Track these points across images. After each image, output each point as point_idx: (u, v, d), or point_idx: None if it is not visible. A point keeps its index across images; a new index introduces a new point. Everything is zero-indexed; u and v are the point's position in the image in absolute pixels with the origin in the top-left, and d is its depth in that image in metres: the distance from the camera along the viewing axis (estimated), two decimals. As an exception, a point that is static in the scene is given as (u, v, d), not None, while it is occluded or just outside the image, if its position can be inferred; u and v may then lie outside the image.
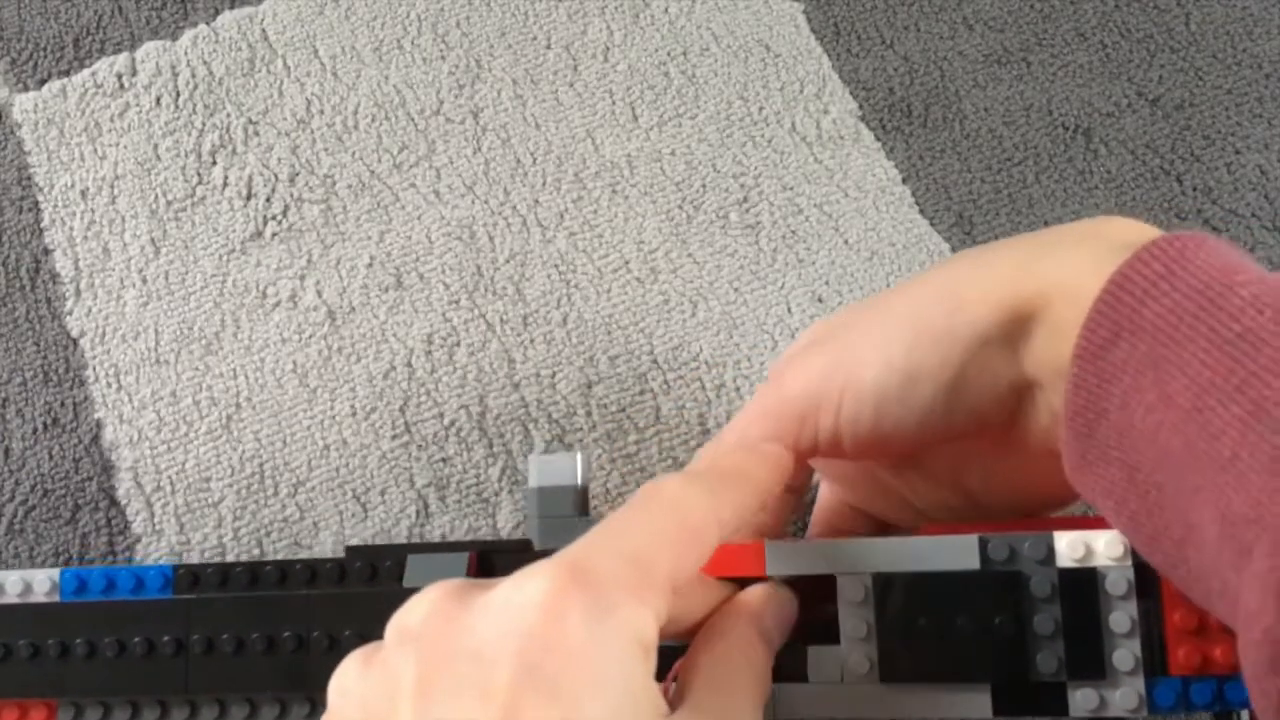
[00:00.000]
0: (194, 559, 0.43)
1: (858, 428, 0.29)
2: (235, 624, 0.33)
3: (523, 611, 0.22)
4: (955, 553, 0.28)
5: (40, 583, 0.35)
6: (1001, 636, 0.28)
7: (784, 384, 0.30)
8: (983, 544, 0.28)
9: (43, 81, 0.54)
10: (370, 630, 0.31)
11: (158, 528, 0.44)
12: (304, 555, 0.35)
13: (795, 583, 0.30)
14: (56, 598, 0.35)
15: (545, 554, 0.30)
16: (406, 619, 0.24)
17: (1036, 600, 0.28)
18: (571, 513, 0.32)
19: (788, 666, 0.29)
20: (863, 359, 0.29)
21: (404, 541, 0.34)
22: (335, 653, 0.32)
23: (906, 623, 0.28)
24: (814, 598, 0.29)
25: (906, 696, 0.28)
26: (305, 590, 0.33)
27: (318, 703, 0.33)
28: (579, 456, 0.32)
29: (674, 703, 0.25)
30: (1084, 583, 0.28)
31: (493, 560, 0.33)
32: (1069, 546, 0.28)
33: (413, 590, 0.30)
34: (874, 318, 0.29)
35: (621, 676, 0.22)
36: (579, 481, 0.32)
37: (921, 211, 0.49)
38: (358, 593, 0.33)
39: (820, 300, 0.47)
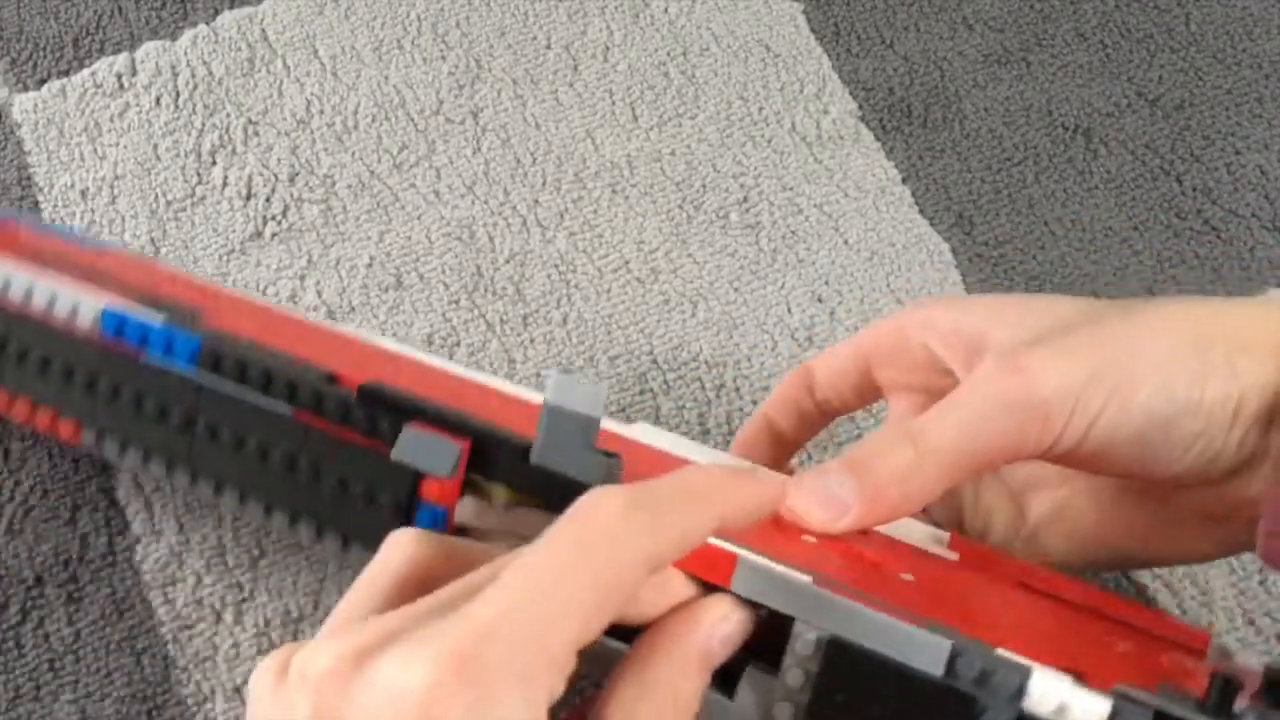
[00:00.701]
0: (194, 559, 0.43)
1: (1104, 443, 0.28)
2: (236, 424, 0.34)
3: (401, 699, 0.22)
4: (923, 651, 0.25)
5: (86, 311, 0.36)
6: None
7: (1032, 378, 0.28)
8: (954, 654, 0.25)
9: (42, 81, 0.54)
10: (350, 480, 0.32)
11: (157, 528, 0.44)
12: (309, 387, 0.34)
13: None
14: (99, 332, 0.36)
15: (540, 471, 0.30)
16: (308, 665, 0.23)
17: None
18: (577, 442, 0.30)
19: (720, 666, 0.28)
20: (1136, 375, 0.27)
21: (412, 400, 0.32)
22: (317, 484, 0.33)
23: (845, 698, 0.26)
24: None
25: None
26: (306, 417, 0.33)
27: (299, 518, 0.34)
28: (600, 390, 0.30)
29: None
30: None
31: (488, 455, 0.31)
32: (1043, 693, 0.25)
33: (399, 465, 0.30)
34: (1146, 334, 0.28)
35: None
36: (592, 413, 0.30)
37: (921, 211, 0.49)
38: (347, 441, 0.32)
39: (820, 300, 0.47)
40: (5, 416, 0.38)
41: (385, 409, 0.32)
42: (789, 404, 0.37)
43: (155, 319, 0.35)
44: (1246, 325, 0.27)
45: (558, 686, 0.23)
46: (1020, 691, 0.25)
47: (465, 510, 0.32)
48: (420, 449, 0.31)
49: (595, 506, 0.24)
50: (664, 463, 0.34)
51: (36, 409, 0.37)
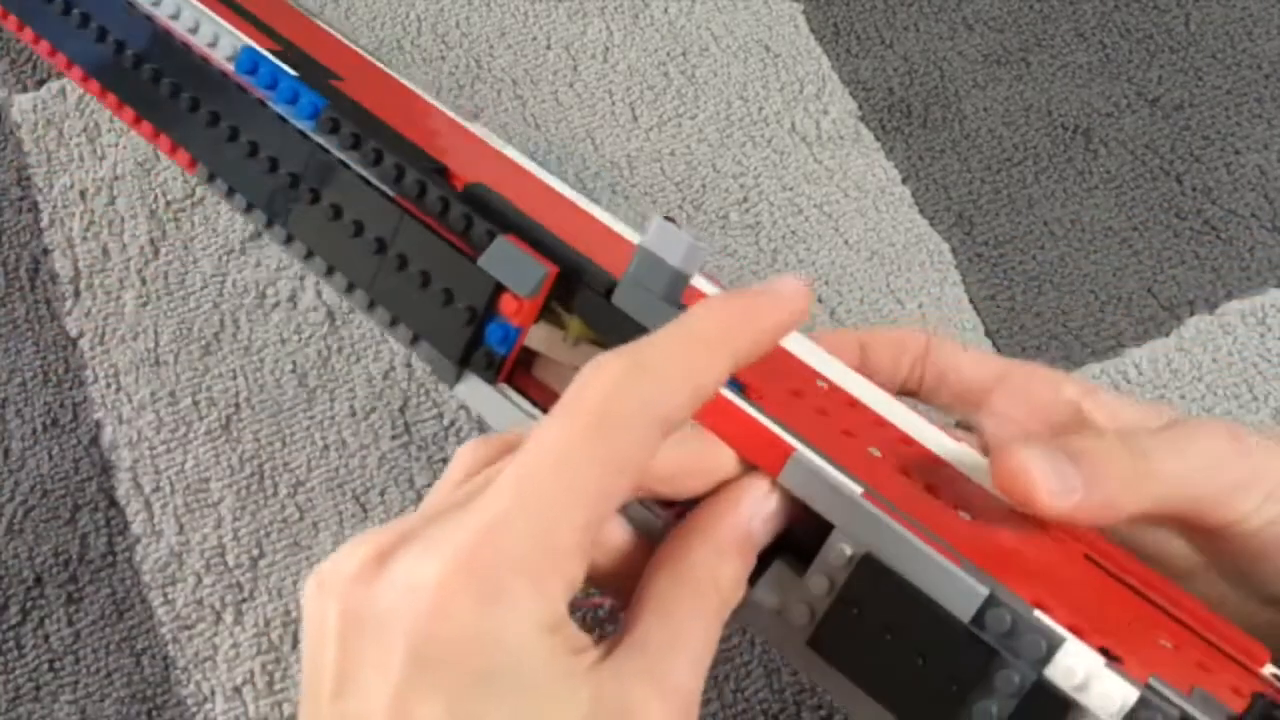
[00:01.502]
0: (194, 559, 0.43)
1: (1271, 541, 0.28)
2: (338, 193, 0.33)
3: (415, 595, 0.22)
4: (957, 592, 0.24)
5: (225, 45, 0.36)
6: (939, 696, 0.24)
7: (1249, 452, 0.28)
8: (988, 603, 0.24)
9: (42, 82, 0.54)
10: (434, 276, 0.32)
11: (157, 528, 0.44)
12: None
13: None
14: (233, 67, 0.35)
15: (618, 313, 0.29)
16: (336, 570, 0.24)
17: (995, 689, 0.24)
18: (661, 293, 0.28)
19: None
20: None
21: (513, 212, 0.32)
22: (402, 272, 0.32)
23: (864, 617, 0.25)
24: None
25: (821, 668, 0.26)
26: (407, 203, 0.32)
27: (377, 303, 0.33)
28: (700, 248, 0.28)
29: (626, 627, 0.24)
30: (1051, 707, 0.24)
31: (572, 285, 0.30)
32: (1070, 665, 0.23)
33: (483, 273, 0.30)
34: None
35: (512, 667, 0.22)
36: (683, 268, 0.28)
37: (921, 211, 0.49)
38: (440, 236, 0.32)
39: (820, 300, 0.47)
40: (132, 129, 0.39)
41: (485, 214, 0.31)
42: (890, 345, 0.34)
43: (290, 70, 0.35)
44: None
45: (576, 575, 0.23)
46: (1047, 657, 0.24)
47: (537, 336, 0.31)
48: (508, 262, 0.30)
49: (593, 377, 0.23)
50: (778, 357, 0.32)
51: (160, 133, 0.37)
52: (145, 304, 0.48)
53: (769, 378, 0.29)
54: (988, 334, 0.47)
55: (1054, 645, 0.24)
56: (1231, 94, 0.51)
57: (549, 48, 0.54)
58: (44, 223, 0.50)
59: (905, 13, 0.54)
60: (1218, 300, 0.47)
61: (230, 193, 0.36)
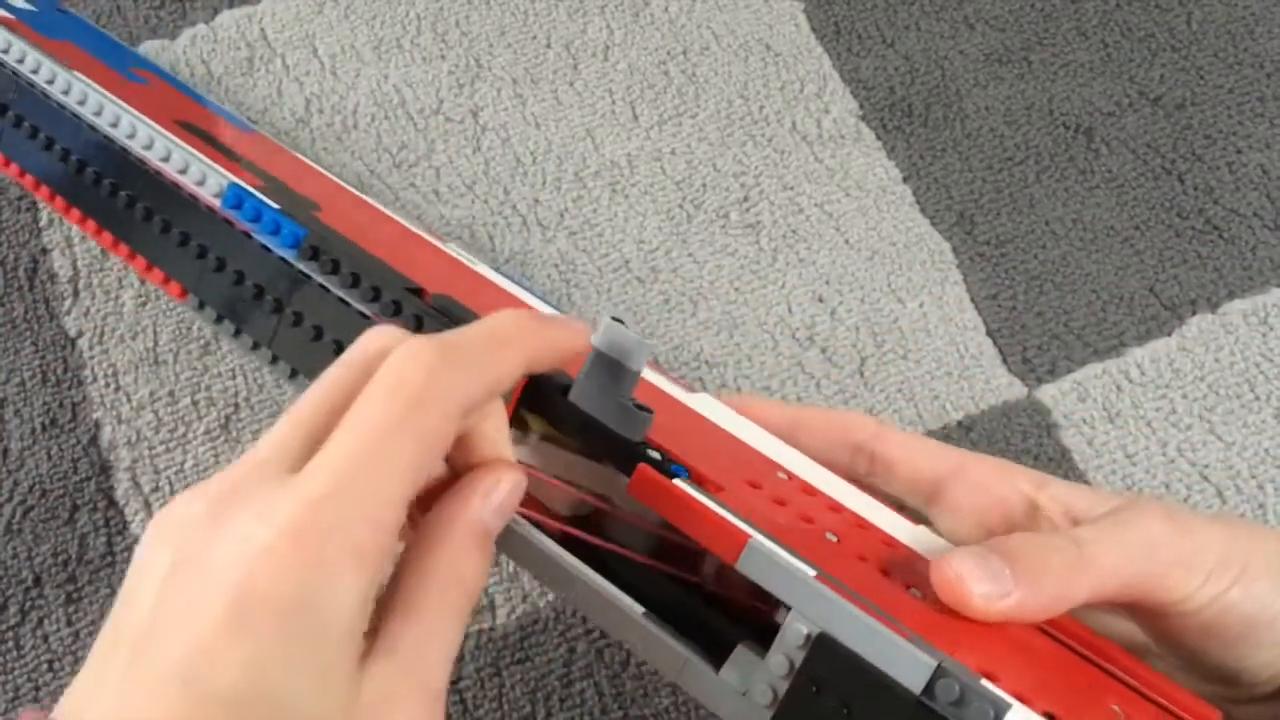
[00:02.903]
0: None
1: (1216, 617, 0.29)
2: (319, 315, 0.36)
3: (246, 551, 0.23)
4: (907, 666, 0.25)
5: (213, 183, 0.38)
6: None
7: (1186, 531, 0.29)
8: (936, 674, 0.25)
9: (41, 81, 0.54)
10: None
11: (156, 528, 0.44)
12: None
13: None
14: (220, 204, 0.38)
15: (575, 410, 0.30)
16: (169, 515, 0.25)
17: None
18: (614, 389, 0.30)
19: (713, 633, 0.28)
20: (1258, 567, 0.29)
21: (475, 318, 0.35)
22: None
23: (822, 693, 0.26)
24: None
25: None
26: (383, 320, 0.34)
27: None
28: (647, 345, 0.31)
29: (379, 626, 0.25)
30: None
31: (536, 386, 0.32)
32: None
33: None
34: (1272, 540, 0.30)
35: (320, 637, 0.23)
36: (632, 365, 0.30)
37: (922, 211, 0.49)
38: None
39: (821, 300, 0.47)
40: (128, 265, 0.41)
41: (452, 323, 0.33)
42: (827, 428, 0.35)
43: (272, 203, 0.37)
44: None
45: (386, 566, 0.24)
46: None
47: None
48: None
49: (410, 361, 0.25)
50: (708, 432, 0.34)
51: (152, 267, 0.40)
52: (144, 303, 0.48)
53: (729, 471, 0.31)
54: (989, 333, 0.47)
55: (1000, 712, 0.25)
56: (1233, 93, 0.51)
57: (549, 47, 0.54)
58: (43, 222, 0.50)
59: (906, 11, 0.54)
60: (1220, 300, 0.47)
61: (219, 320, 0.38)
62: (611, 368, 0.30)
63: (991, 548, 0.28)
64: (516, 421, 0.32)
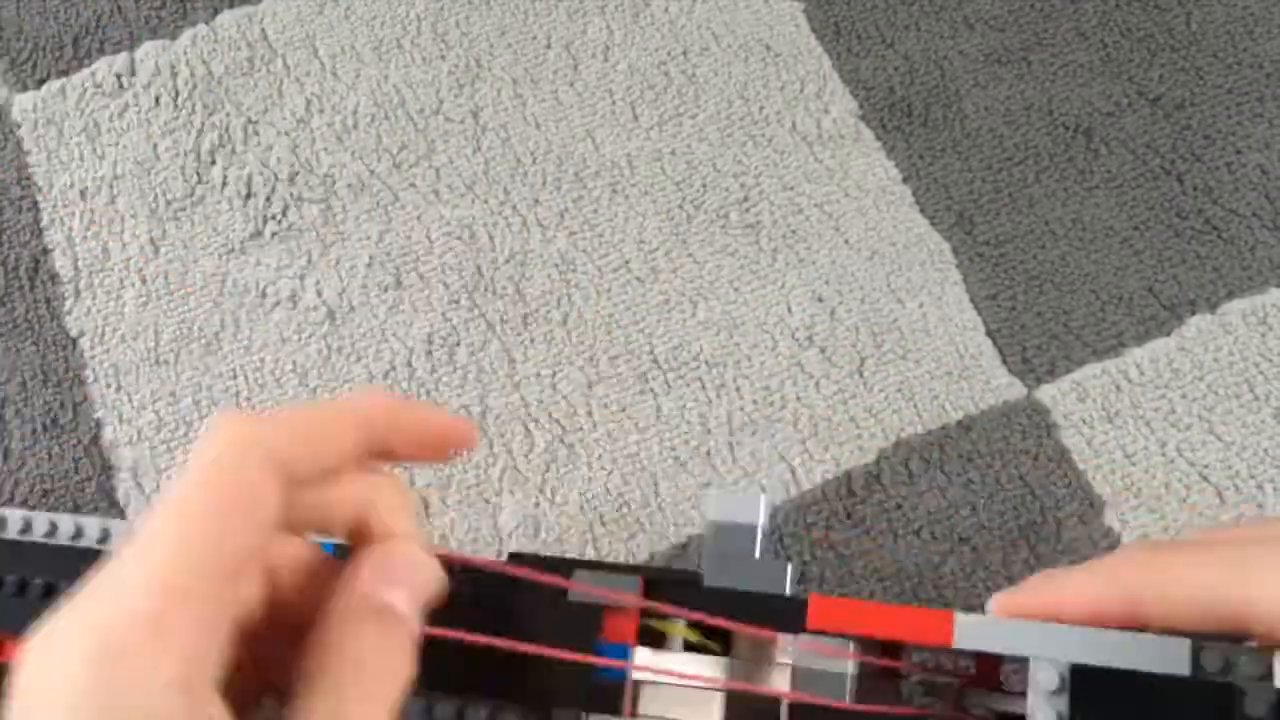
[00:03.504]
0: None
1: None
2: None
3: (49, 669, 0.22)
4: (1164, 655, 0.26)
5: None
6: None
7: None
8: (1195, 650, 0.26)
9: (42, 81, 0.54)
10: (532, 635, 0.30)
11: (157, 528, 0.44)
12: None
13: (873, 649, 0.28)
14: None
15: (714, 591, 0.30)
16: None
17: (1251, 719, 0.25)
18: (746, 551, 0.30)
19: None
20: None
21: (566, 555, 0.33)
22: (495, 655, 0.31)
23: (1107, 718, 0.26)
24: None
25: None
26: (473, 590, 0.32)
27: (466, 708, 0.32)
28: (762, 499, 0.31)
29: (289, 708, 0.23)
30: None
31: (660, 588, 0.31)
32: None
33: (577, 602, 0.30)
34: None
35: None
36: (755, 520, 0.30)
37: (922, 211, 0.49)
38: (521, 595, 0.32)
39: (820, 300, 0.47)
40: None
41: (543, 565, 0.32)
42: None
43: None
44: None
45: (215, 623, 0.22)
46: (1269, 671, 0.25)
47: (642, 657, 0.31)
48: (598, 584, 0.30)
49: (215, 427, 0.24)
50: None
51: None
52: (145, 303, 0.48)
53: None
54: (988, 333, 0.47)
55: (1269, 659, 0.25)
56: (1233, 93, 0.51)
57: (549, 47, 0.54)
58: (44, 222, 0.50)
59: (906, 12, 0.54)
60: (1219, 300, 0.47)
61: None
62: (737, 531, 0.30)
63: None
64: (651, 639, 0.31)
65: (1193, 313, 0.47)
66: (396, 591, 0.25)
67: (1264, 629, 0.26)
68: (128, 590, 0.22)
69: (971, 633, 0.27)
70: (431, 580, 0.26)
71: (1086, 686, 0.26)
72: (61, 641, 0.22)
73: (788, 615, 0.29)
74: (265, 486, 0.24)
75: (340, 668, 0.24)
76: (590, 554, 0.43)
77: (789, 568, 0.30)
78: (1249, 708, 0.25)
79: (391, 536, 0.26)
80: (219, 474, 0.23)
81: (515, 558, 0.33)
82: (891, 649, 0.30)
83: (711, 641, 0.31)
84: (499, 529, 0.43)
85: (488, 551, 0.43)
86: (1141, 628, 0.27)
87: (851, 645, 0.29)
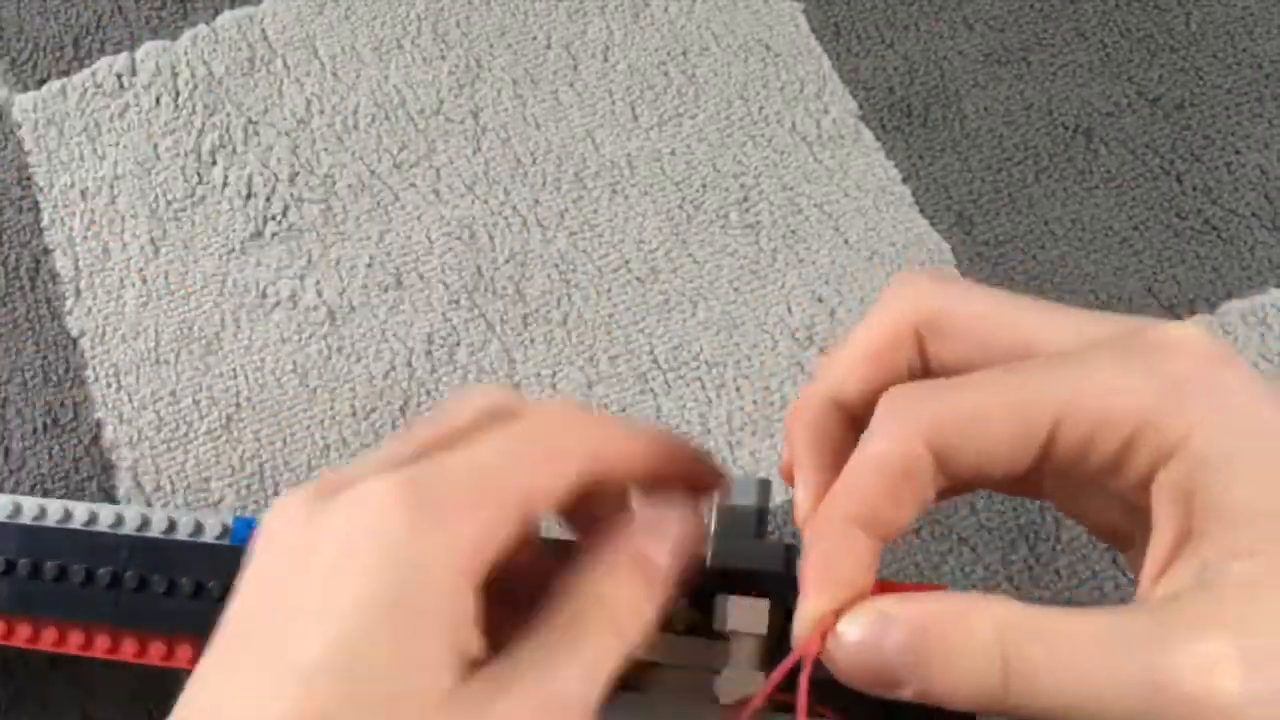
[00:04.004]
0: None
1: None
2: None
3: (355, 506, 0.23)
4: None
5: (212, 526, 0.36)
6: None
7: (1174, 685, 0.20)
8: None
9: (42, 81, 0.54)
10: None
11: (158, 528, 0.44)
12: None
13: None
14: (227, 541, 0.36)
15: (719, 571, 0.30)
16: (272, 523, 0.25)
17: None
18: (751, 532, 0.31)
19: None
20: None
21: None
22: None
23: None
24: None
25: None
26: None
27: None
28: (756, 482, 0.31)
29: (512, 641, 0.24)
30: None
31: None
32: None
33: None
34: None
35: (418, 605, 0.22)
36: (760, 502, 0.31)
37: (922, 211, 0.49)
38: None
39: (820, 300, 0.47)
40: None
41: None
42: (906, 505, 0.24)
43: None
44: None
45: (503, 526, 0.23)
46: None
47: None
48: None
49: (556, 412, 0.26)
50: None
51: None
52: (146, 303, 0.48)
53: None
54: (988, 334, 0.47)
55: None
56: (1232, 93, 0.51)
57: (549, 47, 0.54)
58: (45, 222, 0.50)
59: (906, 12, 0.54)
60: (1218, 300, 0.47)
61: None
62: (742, 515, 0.30)
63: (902, 623, 0.22)
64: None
65: (1192, 313, 0.47)
66: (665, 550, 0.25)
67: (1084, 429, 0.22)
68: (457, 475, 0.23)
69: None
70: (690, 539, 0.26)
71: None
72: (378, 482, 0.23)
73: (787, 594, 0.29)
74: (556, 496, 0.25)
75: (581, 601, 0.24)
76: (590, 554, 0.43)
77: (781, 545, 0.30)
78: None
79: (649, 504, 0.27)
80: (555, 452, 0.25)
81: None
82: None
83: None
84: (499, 529, 0.43)
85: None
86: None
87: None
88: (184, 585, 0.35)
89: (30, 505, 0.37)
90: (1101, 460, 0.22)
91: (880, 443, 0.23)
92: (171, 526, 0.36)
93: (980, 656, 0.21)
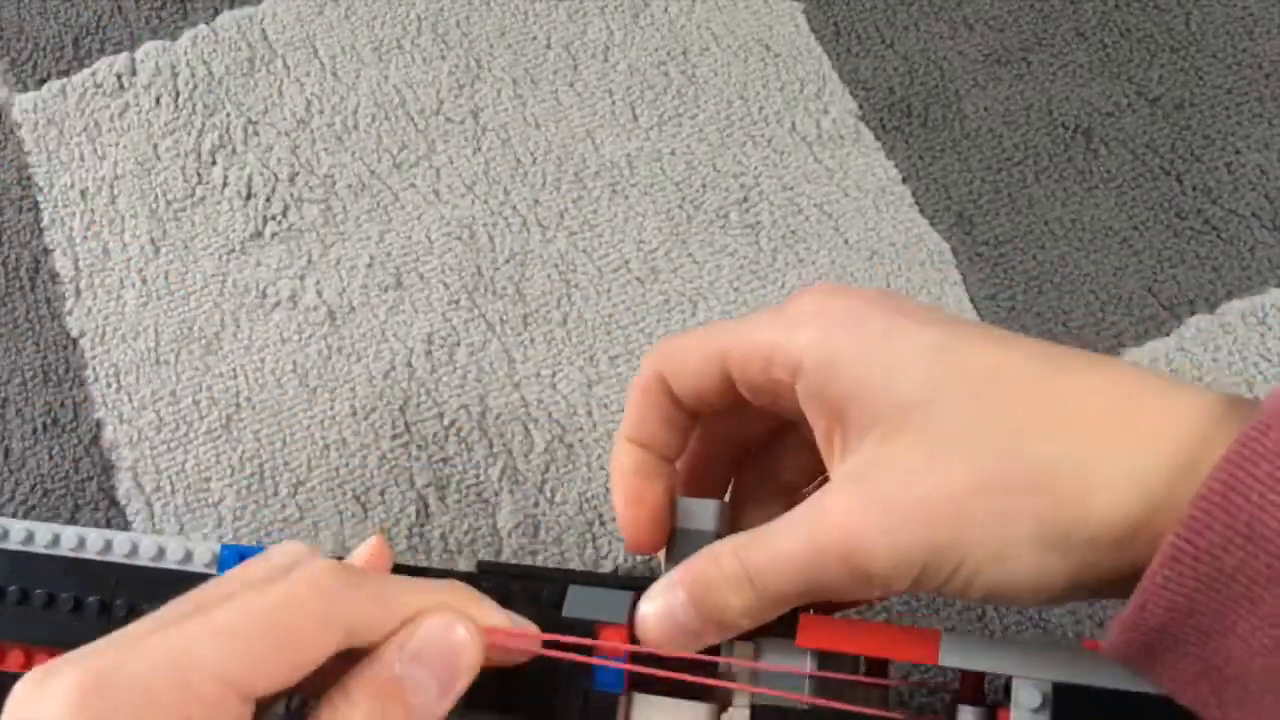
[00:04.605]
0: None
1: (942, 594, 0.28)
2: None
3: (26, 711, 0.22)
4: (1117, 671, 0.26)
5: (201, 554, 0.36)
6: None
7: (863, 551, 0.26)
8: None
9: (42, 81, 0.54)
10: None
11: (158, 528, 0.44)
12: (439, 565, 0.35)
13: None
14: (215, 571, 0.36)
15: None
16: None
17: None
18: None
19: None
20: (975, 560, 0.26)
21: (540, 565, 0.35)
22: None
23: None
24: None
25: None
26: None
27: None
28: (716, 505, 0.31)
29: None
30: None
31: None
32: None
33: (571, 619, 0.30)
34: (991, 517, 0.27)
35: None
36: (714, 528, 0.31)
37: (921, 211, 0.49)
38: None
39: (820, 300, 0.47)
40: None
41: (538, 579, 0.33)
42: (656, 421, 0.32)
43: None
44: (1098, 513, 0.25)
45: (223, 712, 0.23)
46: None
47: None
48: (591, 604, 0.31)
49: (319, 567, 0.25)
50: None
51: None
52: (146, 303, 0.48)
53: None
54: (988, 334, 0.47)
55: None
56: (1232, 93, 0.51)
57: (549, 47, 0.54)
58: (45, 222, 0.50)
59: (905, 12, 0.54)
60: (1218, 300, 0.47)
61: None
62: (697, 538, 0.30)
63: (683, 589, 0.28)
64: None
65: (1192, 313, 0.47)
66: (422, 668, 0.25)
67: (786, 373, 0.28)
68: (143, 663, 0.22)
69: (959, 650, 0.28)
70: (465, 668, 0.26)
71: (1068, 705, 0.27)
72: (59, 680, 0.22)
73: (778, 628, 0.29)
74: (321, 649, 0.24)
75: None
76: (589, 553, 0.43)
77: None
78: None
79: (418, 613, 0.26)
80: (292, 635, 0.24)
81: (483, 566, 0.33)
82: (879, 664, 0.31)
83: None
84: (498, 529, 0.43)
85: (485, 551, 0.43)
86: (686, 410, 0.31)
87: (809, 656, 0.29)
88: None
89: (18, 529, 0.36)
90: (758, 381, 0.29)
91: (635, 378, 0.31)
92: (160, 554, 0.36)
93: (734, 579, 0.27)
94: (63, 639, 0.35)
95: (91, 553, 0.36)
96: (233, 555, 0.35)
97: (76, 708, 0.22)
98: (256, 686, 0.23)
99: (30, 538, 0.36)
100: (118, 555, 0.36)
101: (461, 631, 0.26)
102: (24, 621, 0.35)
